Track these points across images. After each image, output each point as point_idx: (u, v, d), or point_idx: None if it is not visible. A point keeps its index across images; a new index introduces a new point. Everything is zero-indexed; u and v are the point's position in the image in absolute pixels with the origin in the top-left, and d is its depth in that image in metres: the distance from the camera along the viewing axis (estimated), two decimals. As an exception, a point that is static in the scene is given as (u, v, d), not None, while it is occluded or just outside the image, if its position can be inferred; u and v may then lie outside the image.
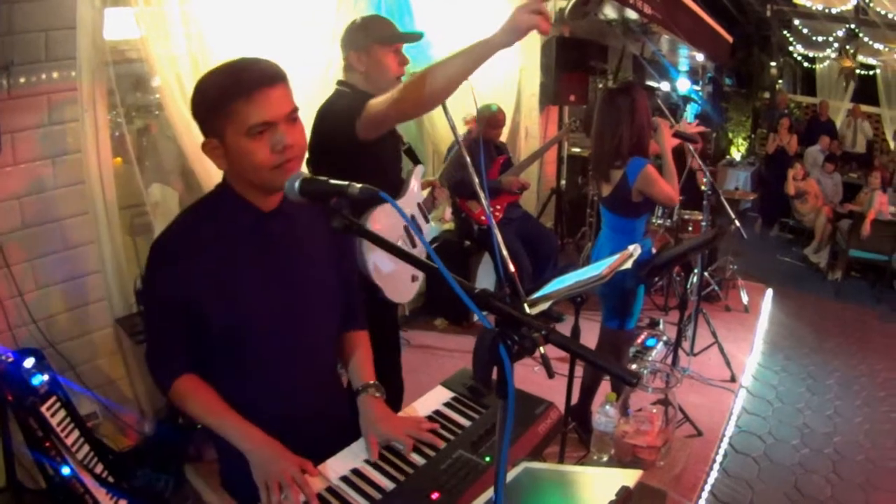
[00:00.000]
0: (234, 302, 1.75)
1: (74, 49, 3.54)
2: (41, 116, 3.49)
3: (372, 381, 2.11)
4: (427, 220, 3.37)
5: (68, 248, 3.67)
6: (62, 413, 3.22)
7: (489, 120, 5.85)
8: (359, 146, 2.80)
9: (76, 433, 3.27)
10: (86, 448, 3.29)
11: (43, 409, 3.10)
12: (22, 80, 3.37)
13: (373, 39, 3.08)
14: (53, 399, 3.19)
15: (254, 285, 1.76)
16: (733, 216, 3.97)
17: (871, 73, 13.89)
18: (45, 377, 3.16)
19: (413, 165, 3.43)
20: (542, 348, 1.21)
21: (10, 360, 3.08)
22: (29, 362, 3.11)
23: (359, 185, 1.46)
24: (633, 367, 2.81)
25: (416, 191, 3.33)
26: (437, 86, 2.50)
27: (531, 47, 7.85)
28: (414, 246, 3.23)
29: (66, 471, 3.06)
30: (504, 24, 2.44)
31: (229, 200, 1.87)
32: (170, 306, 1.82)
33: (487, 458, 1.85)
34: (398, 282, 3.13)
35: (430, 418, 2.07)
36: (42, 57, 3.45)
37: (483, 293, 1.26)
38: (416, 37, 3.25)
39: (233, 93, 1.69)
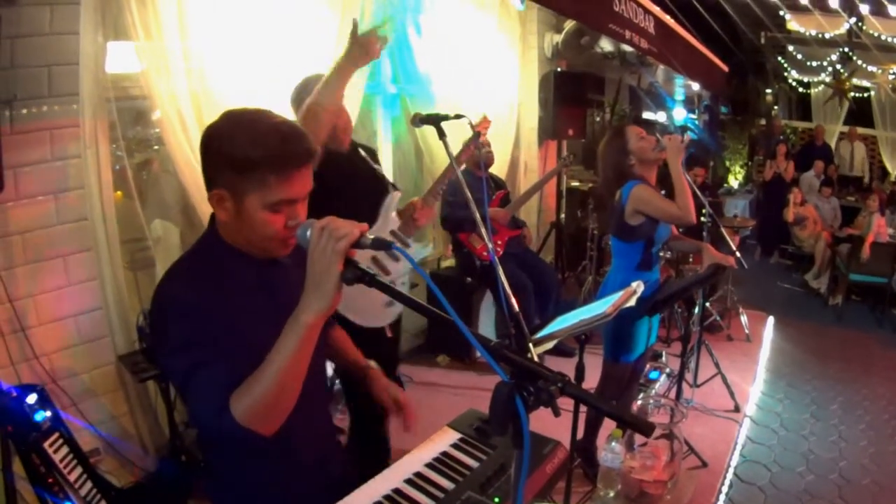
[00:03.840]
0: (248, 351, 1.63)
1: (77, 84, 3.56)
2: (44, 152, 3.50)
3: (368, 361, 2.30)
4: (407, 245, 3.39)
5: (71, 285, 3.67)
6: (65, 449, 3.21)
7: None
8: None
9: (79, 469, 3.26)
10: (89, 484, 3.28)
11: (46, 445, 3.10)
12: (25, 114, 3.38)
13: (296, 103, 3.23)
14: (56, 435, 3.18)
15: (265, 334, 1.64)
16: (734, 247, 3.99)
17: (864, 95, 13.98)
18: (48, 413, 3.16)
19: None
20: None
21: (13, 396, 3.07)
22: (31, 398, 3.11)
23: (371, 236, 1.48)
24: (638, 402, 2.79)
25: (388, 219, 3.36)
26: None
27: (529, 82, 7.95)
28: (388, 274, 3.30)
29: (68, 507, 3.06)
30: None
31: (226, 252, 1.79)
32: (198, 342, 1.65)
33: (497, 500, 1.84)
34: (368, 307, 3.16)
35: (437, 460, 2.06)
36: (45, 92, 3.46)
37: (498, 345, 1.26)
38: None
39: (270, 164, 1.63)
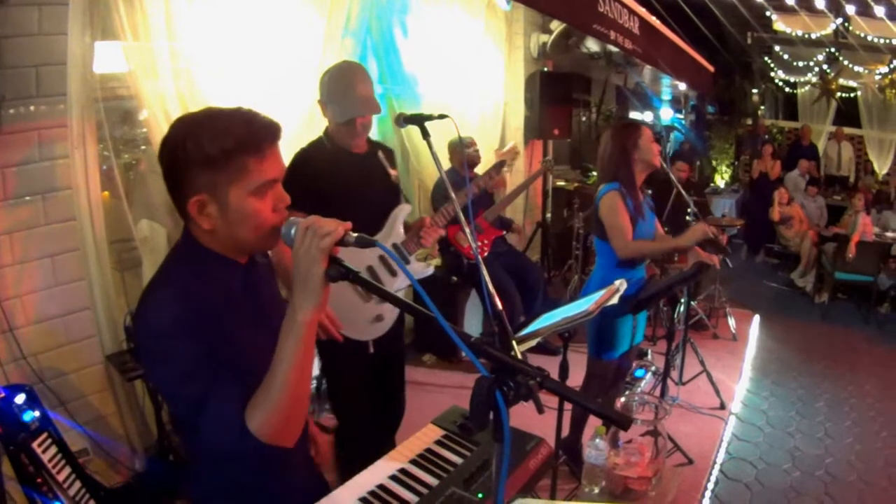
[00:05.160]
0: (245, 358, 1.61)
1: (65, 85, 3.56)
2: (32, 152, 3.50)
3: None
4: (407, 262, 3.37)
5: (59, 284, 3.67)
6: (53, 449, 3.21)
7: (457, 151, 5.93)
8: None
9: (68, 469, 3.26)
10: (77, 484, 3.28)
11: (34, 445, 3.10)
12: (13, 115, 3.38)
13: (325, 99, 3.23)
14: (45, 435, 3.18)
15: (255, 338, 1.64)
16: (718, 236, 4.01)
17: (851, 95, 14.06)
18: (37, 413, 3.16)
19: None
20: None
21: (1, 396, 3.07)
22: (20, 398, 3.11)
23: (355, 234, 1.48)
24: (622, 399, 2.82)
25: (394, 231, 3.36)
26: None
27: (515, 82, 7.98)
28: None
29: (57, 507, 3.06)
30: None
31: (209, 259, 1.71)
32: (202, 365, 1.57)
33: (480, 495, 1.86)
34: (354, 319, 3.17)
35: (421, 457, 2.08)
36: (33, 92, 3.46)
37: (479, 340, 1.28)
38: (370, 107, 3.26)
39: (247, 147, 1.58)
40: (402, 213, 3.38)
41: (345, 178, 3.16)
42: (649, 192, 4.05)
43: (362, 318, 3.23)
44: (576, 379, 3.86)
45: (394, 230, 3.35)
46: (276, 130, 1.65)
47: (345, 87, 3.16)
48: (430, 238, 3.38)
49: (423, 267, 3.45)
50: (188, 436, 1.77)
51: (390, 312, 3.44)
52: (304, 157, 3.21)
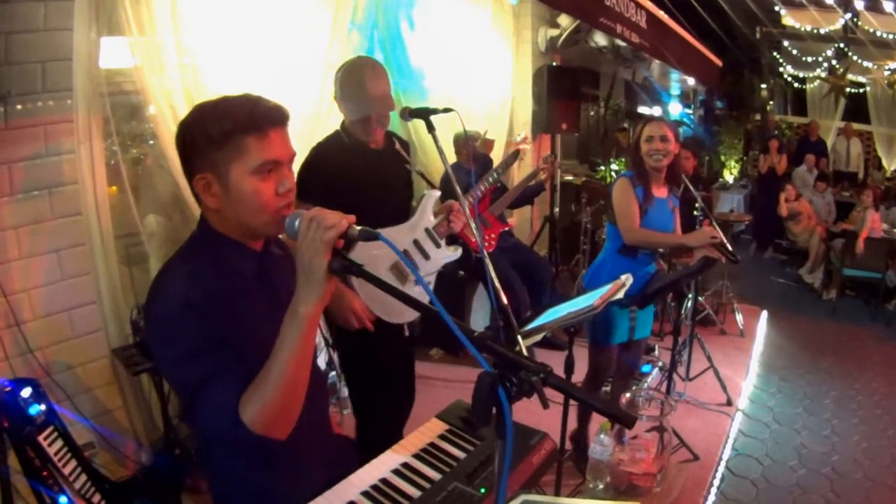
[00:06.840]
0: (254, 345, 1.61)
1: (71, 80, 3.56)
2: (38, 147, 3.50)
3: None
4: (438, 246, 3.36)
5: (65, 279, 3.67)
6: (59, 443, 3.21)
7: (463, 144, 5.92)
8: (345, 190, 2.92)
9: (73, 463, 3.26)
10: (83, 477, 3.28)
11: (40, 438, 3.09)
12: (19, 110, 3.39)
13: (340, 96, 3.20)
14: (51, 429, 3.18)
15: (265, 327, 1.62)
16: (726, 242, 4.00)
17: (860, 90, 14.00)
18: (43, 407, 3.15)
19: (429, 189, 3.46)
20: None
21: (8, 389, 3.07)
22: (26, 392, 3.10)
23: (358, 227, 1.49)
24: (627, 395, 2.81)
25: (424, 216, 3.33)
26: None
27: (522, 76, 7.96)
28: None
29: (63, 500, 3.06)
30: None
31: (222, 243, 1.77)
32: (206, 349, 1.60)
33: (483, 490, 1.86)
34: (391, 302, 3.15)
35: (425, 451, 2.08)
36: (39, 88, 3.46)
37: (482, 336, 1.27)
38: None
39: (246, 127, 1.62)
40: (431, 199, 3.37)
41: (364, 174, 3.15)
42: (679, 187, 4.07)
43: (394, 300, 3.21)
44: (582, 374, 3.87)
45: (424, 216, 3.33)
46: (279, 114, 1.69)
47: (358, 84, 3.12)
48: (459, 222, 3.36)
49: (452, 251, 3.44)
50: (194, 423, 1.79)
51: (420, 295, 3.43)
52: (322, 152, 3.18)
